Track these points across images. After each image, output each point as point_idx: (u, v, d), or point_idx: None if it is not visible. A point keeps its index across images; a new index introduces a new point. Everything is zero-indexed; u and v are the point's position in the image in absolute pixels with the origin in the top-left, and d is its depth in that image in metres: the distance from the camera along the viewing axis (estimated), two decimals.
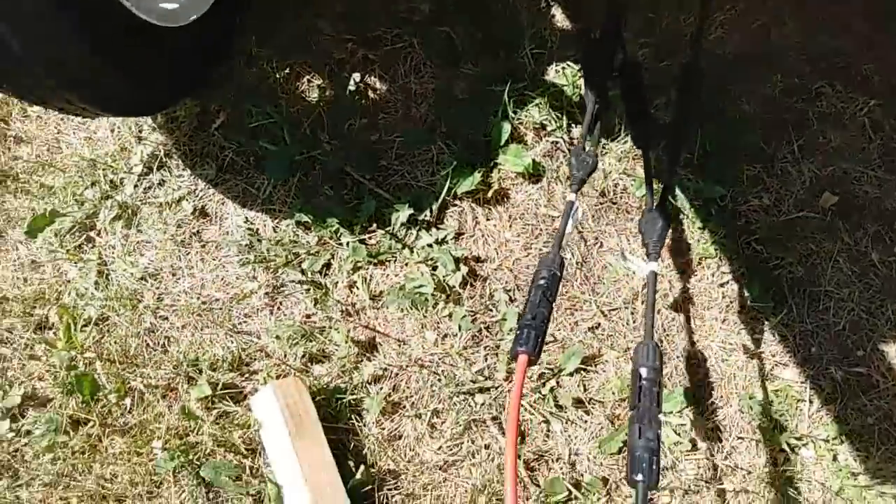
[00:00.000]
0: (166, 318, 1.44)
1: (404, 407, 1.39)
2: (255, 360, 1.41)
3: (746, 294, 1.51)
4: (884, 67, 1.68)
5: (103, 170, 1.55)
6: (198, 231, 1.52)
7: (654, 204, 1.24)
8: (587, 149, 1.21)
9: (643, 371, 0.93)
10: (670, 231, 1.54)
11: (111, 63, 1.26)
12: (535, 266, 1.01)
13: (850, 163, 1.61)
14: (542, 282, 0.97)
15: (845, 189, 1.59)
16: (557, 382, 1.42)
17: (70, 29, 1.14)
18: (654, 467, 0.82)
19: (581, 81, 1.33)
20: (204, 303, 1.45)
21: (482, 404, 1.39)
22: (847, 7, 1.72)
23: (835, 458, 1.40)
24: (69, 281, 1.46)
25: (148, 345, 1.42)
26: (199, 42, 1.49)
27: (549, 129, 1.61)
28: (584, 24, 1.61)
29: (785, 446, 1.40)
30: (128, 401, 1.35)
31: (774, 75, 1.67)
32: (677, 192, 1.56)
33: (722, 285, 1.51)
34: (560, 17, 1.70)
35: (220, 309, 1.45)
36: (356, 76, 1.65)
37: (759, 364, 1.47)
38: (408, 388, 1.41)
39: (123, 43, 1.27)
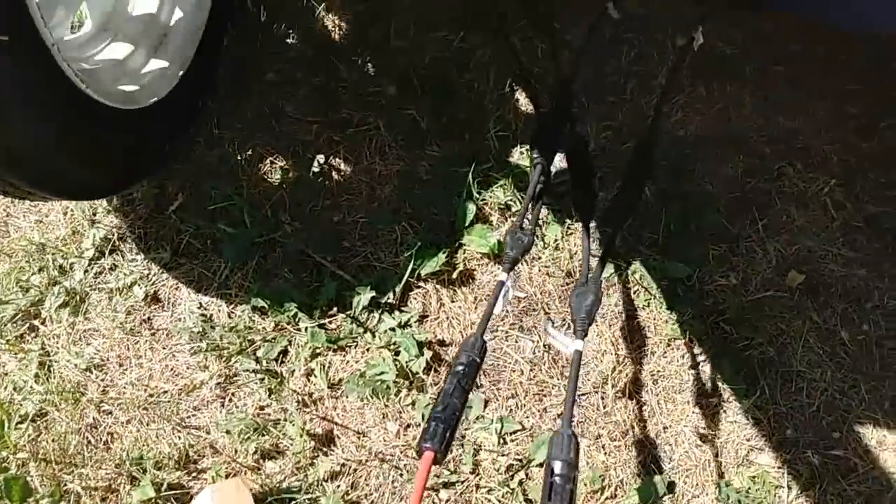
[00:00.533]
0: (110, 413, 1.36)
1: None
2: (203, 457, 1.32)
3: (717, 376, 1.47)
4: (841, 149, 1.71)
5: (52, 254, 1.49)
6: (148, 318, 1.46)
7: (587, 277, 1.19)
8: (524, 227, 1.18)
9: (556, 466, 0.83)
10: (642, 311, 1.51)
11: (63, 148, 1.23)
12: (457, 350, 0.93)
13: (814, 241, 1.61)
14: (458, 368, 0.89)
15: (811, 267, 1.58)
16: (526, 474, 1.35)
17: (18, 112, 1.11)
18: None
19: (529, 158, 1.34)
20: (151, 395, 1.37)
21: (447, 501, 1.31)
22: (803, 91, 1.77)
23: None
24: (6, 374, 1.38)
25: (89, 442, 1.33)
26: (160, 124, 1.47)
27: (514, 209, 1.60)
28: (537, 103, 1.63)
29: None
30: None
31: (736, 156, 1.69)
32: (644, 272, 1.54)
33: (692, 367, 1.47)
34: (524, 101, 1.71)
35: (168, 402, 1.36)
36: (320, 158, 1.63)
37: (735, 449, 1.42)
38: (367, 484, 1.32)
39: (77, 126, 1.24)
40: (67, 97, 1.18)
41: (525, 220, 1.22)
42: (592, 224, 1.45)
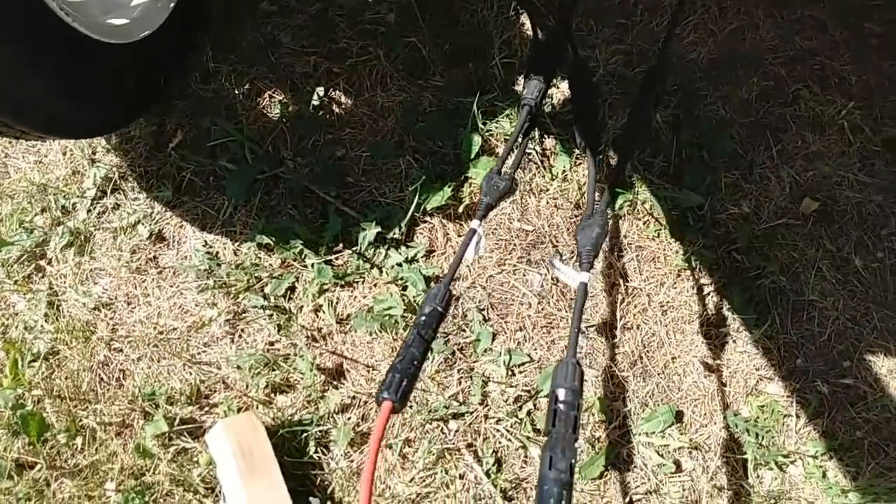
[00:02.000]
0: (121, 351, 1.37)
1: None
2: (214, 392, 1.34)
3: (728, 306, 1.45)
4: (860, 69, 1.64)
5: (54, 195, 1.48)
6: (154, 256, 1.45)
7: (593, 209, 1.16)
8: (503, 172, 1.12)
9: (560, 393, 0.82)
10: (652, 242, 1.49)
11: (54, 85, 1.19)
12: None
13: (830, 167, 1.57)
14: (421, 319, 0.88)
15: (826, 194, 1.54)
16: (534, 405, 1.36)
17: (4, 47, 1.07)
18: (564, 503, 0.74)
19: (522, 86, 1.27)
20: (161, 333, 1.38)
21: (456, 431, 1.33)
22: (821, 9, 1.69)
23: (824, 476, 1.35)
24: (17, 314, 1.39)
25: (101, 379, 1.34)
26: (151, 59, 1.43)
27: (520, 140, 1.55)
28: (535, 25, 1.55)
29: (773, 464, 1.35)
30: (79, 440, 1.27)
31: (750, 79, 1.62)
32: (654, 202, 1.51)
33: (702, 298, 1.46)
34: (529, 26, 1.65)
35: (178, 339, 1.37)
36: (320, 90, 1.59)
37: (744, 379, 1.42)
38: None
39: (67, 62, 1.20)
40: (53, 31, 1.14)
41: (506, 164, 1.16)
42: (600, 154, 1.40)
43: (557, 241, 1.50)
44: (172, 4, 1.43)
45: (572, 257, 1.49)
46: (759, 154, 1.57)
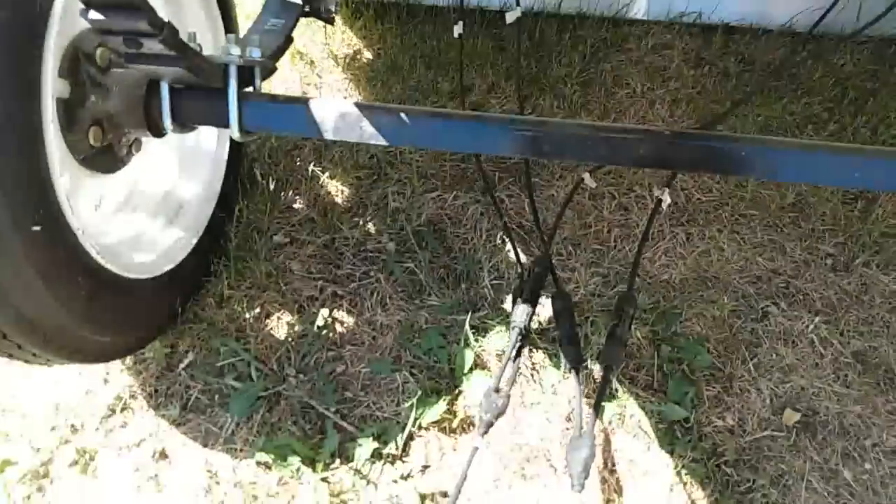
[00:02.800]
0: None
1: None
2: None
3: None
4: (822, 286, 1.79)
5: (65, 414, 1.55)
6: (156, 475, 1.48)
7: (580, 430, 1.24)
8: (500, 390, 1.23)
9: None
10: (643, 455, 1.52)
11: (82, 317, 1.30)
12: None
13: (806, 379, 1.65)
14: None
15: (806, 405, 1.61)
16: None
17: (45, 291, 1.18)
18: None
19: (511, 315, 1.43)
20: None
21: None
22: (778, 234, 1.88)
23: None
24: None
25: None
26: (171, 289, 1.57)
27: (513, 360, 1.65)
28: (518, 255, 1.74)
29: None
30: None
31: (721, 297, 1.76)
32: (642, 415, 1.57)
33: None
34: (513, 254, 1.83)
35: None
36: (325, 311, 1.72)
37: None
38: None
39: (97, 298, 1.32)
40: (89, 273, 1.27)
41: (500, 382, 1.28)
42: (584, 373, 1.50)
43: (550, 455, 1.53)
44: (195, 240, 1.61)
45: (565, 473, 1.51)
46: (737, 368, 1.66)
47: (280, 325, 1.70)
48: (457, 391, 1.60)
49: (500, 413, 1.20)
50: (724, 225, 1.89)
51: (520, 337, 1.35)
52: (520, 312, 1.38)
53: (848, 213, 1.93)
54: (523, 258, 1.72)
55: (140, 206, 1.57)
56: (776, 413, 1.59)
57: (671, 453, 1.53)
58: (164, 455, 1.52)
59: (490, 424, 1.17)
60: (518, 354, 1.38)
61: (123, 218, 1.53)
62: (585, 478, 1.12)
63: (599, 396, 1.32)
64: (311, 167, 2.00)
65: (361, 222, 1.86)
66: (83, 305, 1.27)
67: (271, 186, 1.89)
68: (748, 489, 1.49)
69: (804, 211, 1.92)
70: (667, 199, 1.54)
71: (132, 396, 1.58)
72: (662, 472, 1.51)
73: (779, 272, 1.82)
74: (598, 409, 1.29)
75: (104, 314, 1.33)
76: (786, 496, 1.48)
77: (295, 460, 1.47)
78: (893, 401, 1.61)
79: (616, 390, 1.60)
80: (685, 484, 1.49)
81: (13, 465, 1.47)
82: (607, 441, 1.55)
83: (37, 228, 1.08)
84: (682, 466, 1.50)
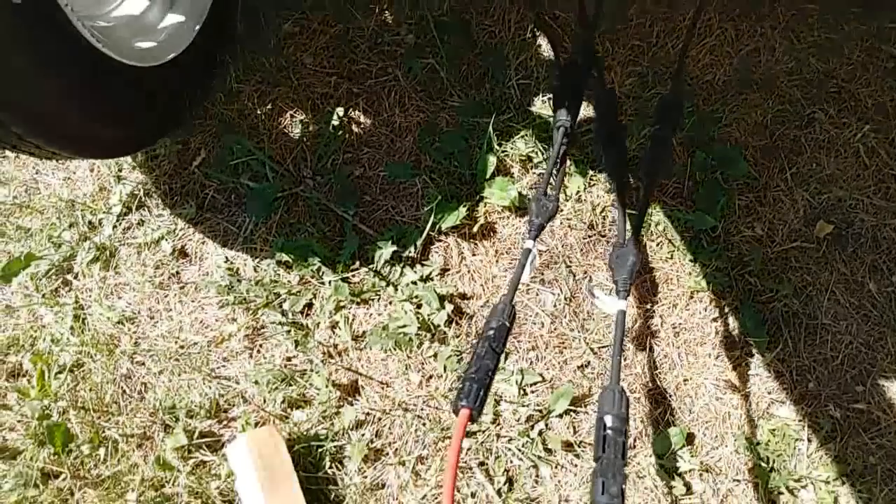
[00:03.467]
0: (143, 364, 1.41)
1: (387, 454, 1.35)
2: (233, 406, 1.37)
3: (740, 329, 1.46)
4: (877, 92, 1.64)
5: (81, 211, 1.53)
6: (177, 272, 1.49)
7: (625, 239, 1.19)
8: (548, 193, 1.16)
9: (608, 420, 0.88)
10: (665, 263, 1.50)
11: (84, 107, 1.24)
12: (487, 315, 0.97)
13: (844, 190, 1.57)
14: (490, 332, 0.92)
15: (840, 218, 1.55)
16: (546, 425, 1.38)
17: (36, 72, 1.11)
18: None
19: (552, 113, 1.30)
20: (182, 347, 1.42)
21: (468, 449, 1.35)
22: (838, 32, 1.69)
23: (836, 501, 1.35)
24: (44, 326, 1.43)
25: (124, 392, 1.38)
26: (177, 79, 1.47)
27: (535, 161, 1.58)
28: (558, 51, 1.58)
29: (783, 488, 1.35)
30: (102, 451, 1.31)
31: (765, 102, 1.63)
32: (668, 223, 1.52)
33: (715, 320, 1.47)
34: (546, 47, 1.67)
35: (198, 353, 1.41)
36: (340, 110, 1.62)
37: (755, 402, 1.43)
38: (391, 433, 1.36)
39: (96, 84, 1.25)
40: (83, 55, 1.18)
41: (549, 185, 1.20)
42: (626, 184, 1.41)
43: (571, 262, 1.52)
44: (198, 27, 1.48)
45: (585, 278, 1.50)
46: (773, 177, 1.57)
47: (293, 123, 1.61)
48: (477, 197, 1.55)
49: (551, 216, 1.14)
50: (780, 20, 1.69)
51: (564, 136, 1.24)
52: (563, 111, 1.26)
53: None
54: (558, 51, 1.57)
55: None
56: (809, 224, 1.54)
57: (695, 261, 1.50)
58: (183, 253, 1.52)
59: (541, 228, 1.13)
60: (565, 156, 1.28)
61: None
62: (631, 285, 1.10)
63: (644, 205, 1.24)
64: None
65: (377, 10, 1.69)
66: (83, 92, 1.19)
67: None
68: (770, 298, 1.48)
69: (872, 5, 1.71)
70: None
71: (147, 194, 1.55)
72: (683, 280, 1.49)
73: (832, 75, 1.67)
74: (641, 217, 1.23)
75: (105, 103, 1.25)
76: (807, 306, 1.48)
77: (315, 260, 1.47)
78: None
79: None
80: (707, 292, 1.48)
81: (38, 258, 1.48)
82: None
83: (17, 1, 0.97)
84: (705, 275, 1.49)
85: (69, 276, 1.49)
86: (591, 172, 1.56)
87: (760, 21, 1.70)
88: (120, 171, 1.57)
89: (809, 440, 1.39)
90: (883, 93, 1.65)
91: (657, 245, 1.53)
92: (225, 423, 1.36)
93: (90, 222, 1.53)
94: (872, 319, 1.48)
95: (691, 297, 1.49)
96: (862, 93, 1.65)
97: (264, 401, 1.37)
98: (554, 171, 1.24)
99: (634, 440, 1.37)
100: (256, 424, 1.34)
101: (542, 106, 1.62)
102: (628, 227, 1.23)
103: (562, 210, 1.54)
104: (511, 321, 0.95)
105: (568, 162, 1.56)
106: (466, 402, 0.83)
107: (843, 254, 1.52)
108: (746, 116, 1.62)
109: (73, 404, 1.35)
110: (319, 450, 1.32)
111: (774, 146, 1.60)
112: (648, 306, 1.48)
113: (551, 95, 1.59)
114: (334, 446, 1.33)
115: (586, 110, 1.53)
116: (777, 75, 1.67)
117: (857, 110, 1.64)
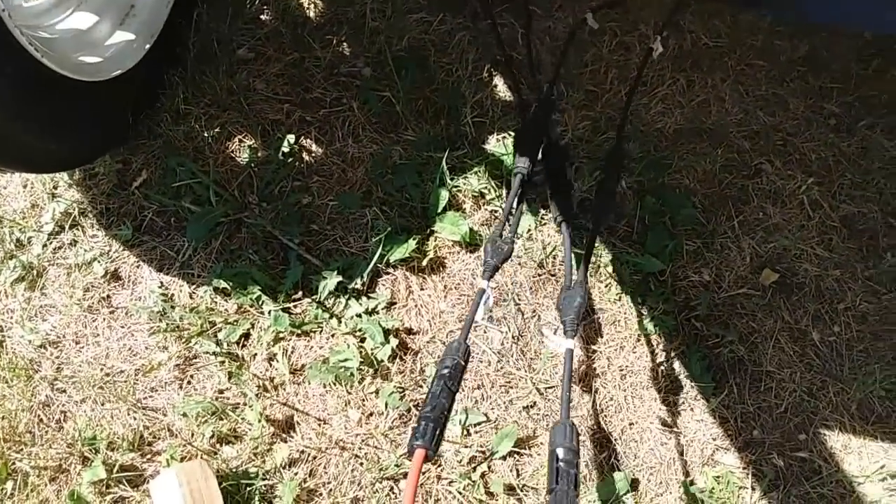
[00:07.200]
0: (64, 391, 1.32)
1: (321, 494, 1.28)
2: (158, 439, 1.29)
3: (686, 373, 1.45)
4: (820, 146, 1.69)
5: (10, 227, 1.45)
6: (108, 296, 1.42)
7: (571, 281, 1.21)
8: (504, 235, 1.19)
9: (560, 452, 0.90)
10: (613, 305, 1.49)
11: (18, 118, 1.18)
12: (441, 353, 0.97)
13: (789, 240, 1.59)
14: (444, 371, 0.93)
15: (786, 266, 1.57)
16: (489, 467, 1.33)
17: None
18: None
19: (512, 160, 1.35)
20: (107, 374, 1.34)
21: None
22: (784, 88, 1.75)
23: None
24: None
25: (41, 420, 1.29)
26: (122, 97, 1.42)
27: (487, 197, 1.57)
28: (517, 92, 1.60)
29: None
30: (9, 485, 1.21)
31: (714, 151, 1.66)
32: (616, 265, 1.52)
33: (661, 364, 1.46)
34: (502, 88, 1.68)
35: (125, 381, 1.33)
36: (291, 137, 1.59)
37: (700, 448, 1.41)
38: (326, 472, 1.30)
39: (34, 96, 1.19)
40: (21, 66, 1.13)
41: (506, 227, 1.23)
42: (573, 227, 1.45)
43: (520, 299, 1.50)
44: (147, 46, 1.44)
45: (534, 317, 1.48)
46: (720, 224, 1.59)
47: (242, 148, 1.57)
48: (428, 231, 1.53)
49: (506, 258, 1.17)
50: (729, 74, 1.74)
51: (521, 183, 1.28)
52: (522, 158, 1.31)
53: (861, 72, 1.79)
54: (519, 96, 1.58)
55: (84, 0, 1.38)
56: (755, 272, 1.56)
57: (642, 304, 1.50)
58: (116, 276, 1.45)
59: (496, 269, 1.15)
60: (521, 201, 1.32)
61: (65, 11, 1.35)
62: (578, 325, 1.11)
63: (589, 248, 1.27)
64: None
65: (335, 41, 1.68)
66: (15, 101, 1.13)
67: None
68: (716, 344, 1.48)
69: (815, 66, 1.78)
70: (658, 49, 1.40)
71: (82, 213, 1.48)
72: (631, 323, 1.48)
73: (778, 129, 1.71)
74: (587, 259, 1.25)
75: (42, 115, 1.19)
76: (752, 353, 1.48)
77: (255, 289, 1.42)
78: (873, 268, 1.58)
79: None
80: (653, 335, 1.47)
81: None
82: None
83: None
84: (652, 318, 1.48)
85: None
86: (542, 212, 1.55)
87: (711, 73, 1.75)
88: (55, 188, 1.51)
89: (753, 488, 1.37)
90: (825, 148, 1.70)
91: (605, 287, 1.52)
92: (148, 456, 1.28)
93: (18, 240, 1.45)
94: (815, 368, 1.48)
95: (638, 340, 1.47)
96: (806, 147, 1.70)
97: (192, 435, 1.29)
98: (510, 215, 1.26)
99: (578, 485, 1.33)
100: (182, 459, 1.26)
101: (496, 144, 1.62)
102: (575, 269, 1.25)
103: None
104: (466, 360, 0.98)
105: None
106: (422, 442, 0.84)
107: (788, 302, 1.54)
108: (696, 164, 1.65)
109: None
110: (249, 488, 1.25)
111: (722, 194, 1.63)
112: (595, 347, 1.46)
113: (514, 143, 1.61)
114: (265, 485, 1.26)
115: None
116: (726, 126, 1.70)
117: (801, 163, 1.68)
